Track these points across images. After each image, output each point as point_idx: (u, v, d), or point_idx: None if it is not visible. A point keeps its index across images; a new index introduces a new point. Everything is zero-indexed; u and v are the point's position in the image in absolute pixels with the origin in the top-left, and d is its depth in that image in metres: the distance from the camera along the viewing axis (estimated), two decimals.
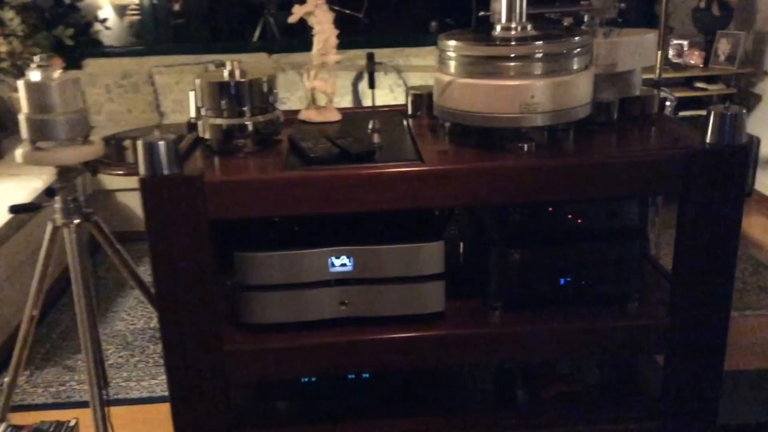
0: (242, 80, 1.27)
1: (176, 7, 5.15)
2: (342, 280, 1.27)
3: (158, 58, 4.19)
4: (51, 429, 1.57)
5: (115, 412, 2.33)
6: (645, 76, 1.42)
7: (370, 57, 1.31)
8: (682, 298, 1.27)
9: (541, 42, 1.19)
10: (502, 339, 1.31)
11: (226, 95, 1.27)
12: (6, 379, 1.70)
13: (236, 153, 1.29)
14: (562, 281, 1.33)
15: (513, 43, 1.21)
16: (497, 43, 1.23)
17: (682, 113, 4.20)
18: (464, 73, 1.22)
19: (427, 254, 1.26)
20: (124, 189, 3.68)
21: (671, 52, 4.29)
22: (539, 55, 1.17)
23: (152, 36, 4.45)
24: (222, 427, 1.29)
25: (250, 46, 4.66)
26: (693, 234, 1.23)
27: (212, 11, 5.43)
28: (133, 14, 4.88)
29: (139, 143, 1.12)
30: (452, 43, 1.22)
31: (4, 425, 1.60)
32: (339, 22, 1.42)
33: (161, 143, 1.12)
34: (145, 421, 2.44)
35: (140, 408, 2.51)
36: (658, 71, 1.44)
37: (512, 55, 1.17)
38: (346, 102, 4.06)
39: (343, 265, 1.26)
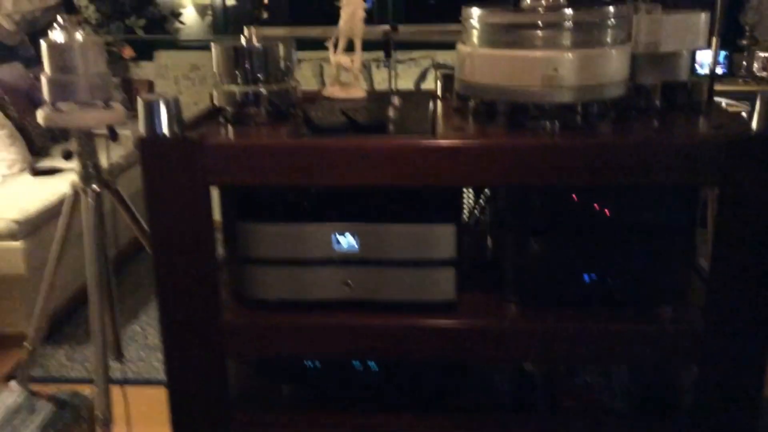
0: (257, 46, 1.24)
1: (264, 15, 5.27)
2: (346, 260, 1.20)
3: None
4: (67, 398, 1.58)
5: (146, 391, 2.33)
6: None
7: (394, 29, 1.25)
8: (719, 302, 1.15)
9: (566, 9, 1.09)
10: (516, 336, 1.21)
11: (240, 61, 1.24)
12: (26, 344, 1.71)
13: (249, 122, 1.25)
14: (586, 278, 1.22)
15: (537, 11, 1.12)
16: (520, 10, 1.14)
17: None
18: (484, 43, 1.14)
19: (437, 237, 1.18)
20: None
21: (756, 66, 4.05)
22: (564, 24, 1.08)
23: (222, 32, 4.52)
24: (219, 404, 1.25)
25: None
26: (732, 230, 1.11)
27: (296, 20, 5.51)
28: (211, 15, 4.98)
29: (140, 101, 1.09)
30: (473, 10, 1.15)
31: (22, 391, 1.61)
32: None
33: (161, 102, 1.09)
34: None
35: None
36: (712, 60, 1.31)
37: (534, 23, 1.08)
38: None
39: (348, 243, 1.19)
